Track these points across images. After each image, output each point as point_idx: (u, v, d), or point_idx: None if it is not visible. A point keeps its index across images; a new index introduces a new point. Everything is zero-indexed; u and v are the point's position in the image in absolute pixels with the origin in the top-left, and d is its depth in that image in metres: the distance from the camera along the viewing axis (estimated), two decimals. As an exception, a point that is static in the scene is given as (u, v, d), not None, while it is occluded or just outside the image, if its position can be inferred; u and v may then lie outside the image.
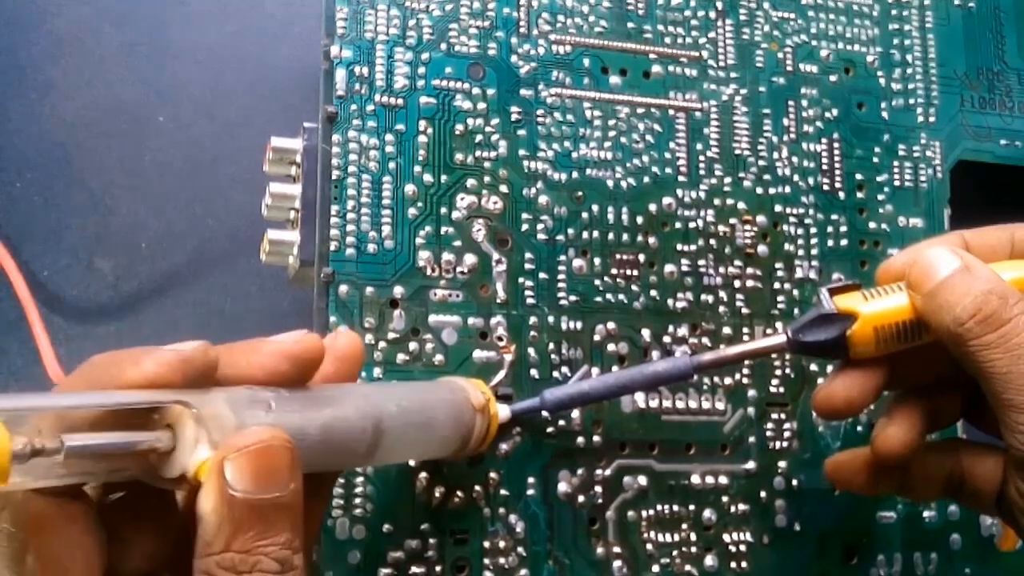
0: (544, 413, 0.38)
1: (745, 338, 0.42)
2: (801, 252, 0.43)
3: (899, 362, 0.34)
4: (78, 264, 0.45)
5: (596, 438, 0.39)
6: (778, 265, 0.43)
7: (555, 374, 0.39)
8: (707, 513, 0.40)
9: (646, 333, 0.41)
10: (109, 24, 0.47)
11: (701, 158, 0.43)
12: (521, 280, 0.40)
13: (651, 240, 0.41)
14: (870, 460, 0.36)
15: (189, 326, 0.45)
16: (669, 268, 0.41)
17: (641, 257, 0.41)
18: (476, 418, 0.35)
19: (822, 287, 0.35)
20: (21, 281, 0.42)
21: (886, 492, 0.38)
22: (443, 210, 0.39)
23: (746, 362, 0.41)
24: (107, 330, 0.45)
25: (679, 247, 0.42)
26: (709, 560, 0.40)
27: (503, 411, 0.37)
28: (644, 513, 0.40)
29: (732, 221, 0.43)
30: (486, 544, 0.38)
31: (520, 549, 0.38)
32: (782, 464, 0.42)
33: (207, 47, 0.47)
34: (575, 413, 0.39)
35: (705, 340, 0.41)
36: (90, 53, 0.46)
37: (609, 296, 0.41)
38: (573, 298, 0.40)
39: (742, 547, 0.41)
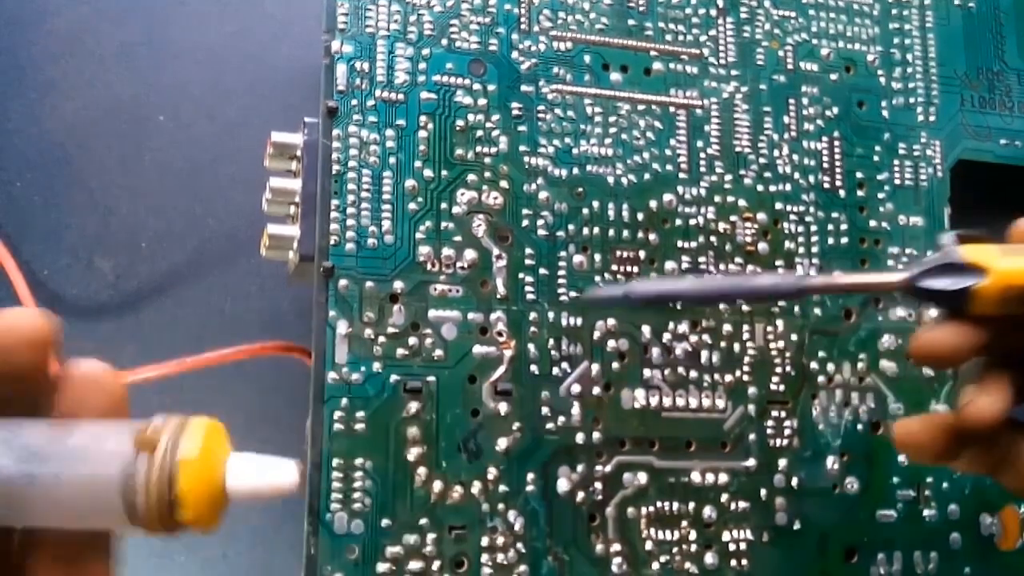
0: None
1: (745, 335, 0.42)
2: (801, 250, 0.43)
3: (1007, 326, 0.32)
4: (78, 264, 0.45)
5: (596, 435, 0.39)
6: (778, 262, 0.43)
7: (555, 370, 0.39)
8: (707, 511, 0.40)
9: (646, 330, 0.41)
10: (109, 24, 0.47)
11: (702, 155, 0.43)
12: (521, 276, 0.40)
13: (651, 237, 0.41)
14: (953, 428, 0.33)
15: (189, 325, 0.45)
16: (669, 265, 0.41)
17: (641, 254, 0.41)
18: (140, 463, 0.23)
19: (947, 233, 0.33)
20: (21, 280, 0.42)
21: (970, 470, 0.34)
22: (443, 205, 0.39)
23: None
24: (107, 329, 0.45)
25: (679, 244, 0.42)
26: (709, 558, 0.40)
27: (241, 466, 0.24)
28: (644, 510, 0.40)
29: (732, 218, 0.42)
30: (485, 540, 0.38)
31: (519, 545, 0.38)
32: (782, 462, 0.41)
33: (207, 47, 0.47)
34: (575, 410, 0.39)
35: (706, 337, 0.41)
36: (90, 53, 0.46)
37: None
38: (573, 294, 0.40)
39: (742, 545, 0.40)
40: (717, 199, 0.42)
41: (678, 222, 0.42)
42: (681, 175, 0.42)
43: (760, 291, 0.33)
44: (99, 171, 0.45)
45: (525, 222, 0.40)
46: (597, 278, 0.40)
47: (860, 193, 0.45)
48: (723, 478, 0.41)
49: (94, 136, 0.46)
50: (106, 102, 0.46)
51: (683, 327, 0.41)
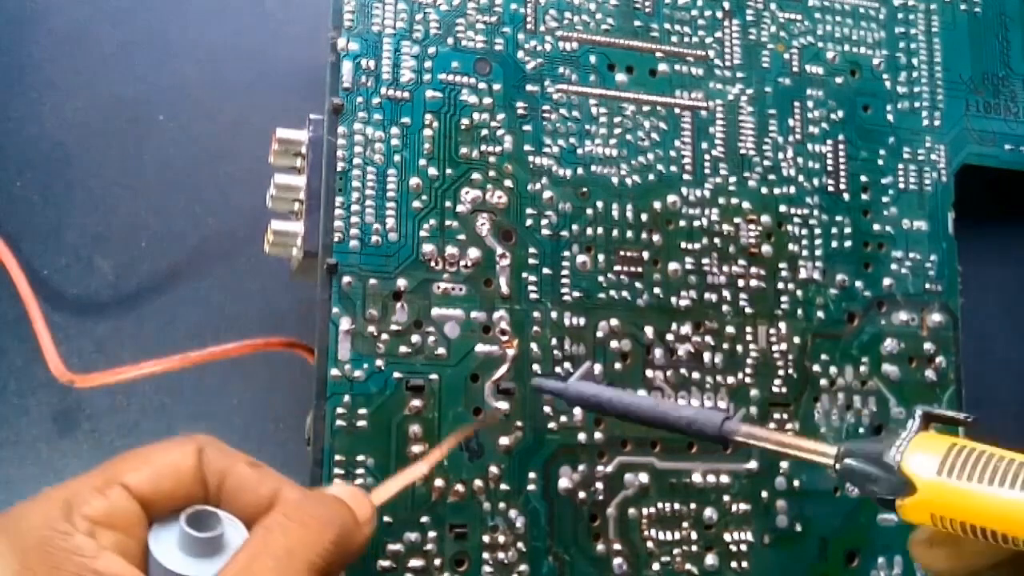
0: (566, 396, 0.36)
1: (748, 337, 0.42)
2: (805, 252, 0.43)
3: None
4: (78, 262, 0.45)
5: (598, 435, 0.39)
6: (782, 265, 0.43)
7: (557, 370, 0.39)
8: (708, 512, 0.40)
9: (649, 331, 0.41)
10: (109, 24, 0.47)
11: (706, 157, 0.43)
12: (524, 275, 0.40)
13: (655, 238, 0.41)
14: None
15: (189, 324, 0.45)
16: (673, 266, 0.41)
17: (645, 254, 0.41)
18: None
19: (919, 408, 0.29)
20: (22, 279, 0.42)
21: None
22: (448, 204, 0.39)
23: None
24: (107, 328, 0.45)
25: (683, 245, 0.42)
26: (710, 559, 0.40)
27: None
28: (645, 511, 0.40)
29: (736, 220, 0.42)
30: (486, 539, 0.38)
31: (520, 544, 0.38)
32: (784, 464, 0.41)
33: (207, 46, 0.47)
34: (577, 410, 0.39)
35: (708, 339, 0.41)
36: (90, 53, 0.46)
37: (612, 293, 0.40)
38: (576, 294, 0.40)
39: (743, 547, 0.40)
40: (721, 201, 0.42)
41: (682, 223, 0.42)
42: (685, 176, 0.42)
43: (681, 423, 0.32)
44: (99, 171, 0.45)
45: (529, 221, 0.40)
46: (600, 278, 0.40)
47: (864, 197, 0.45)
48: (724, 480, 0.41)
49: (94, 136, 0.46)
50: (106, 102, 0.46)
51: (686, 328, 0.41)
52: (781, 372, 0.42)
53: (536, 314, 0.39)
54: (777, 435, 0.31)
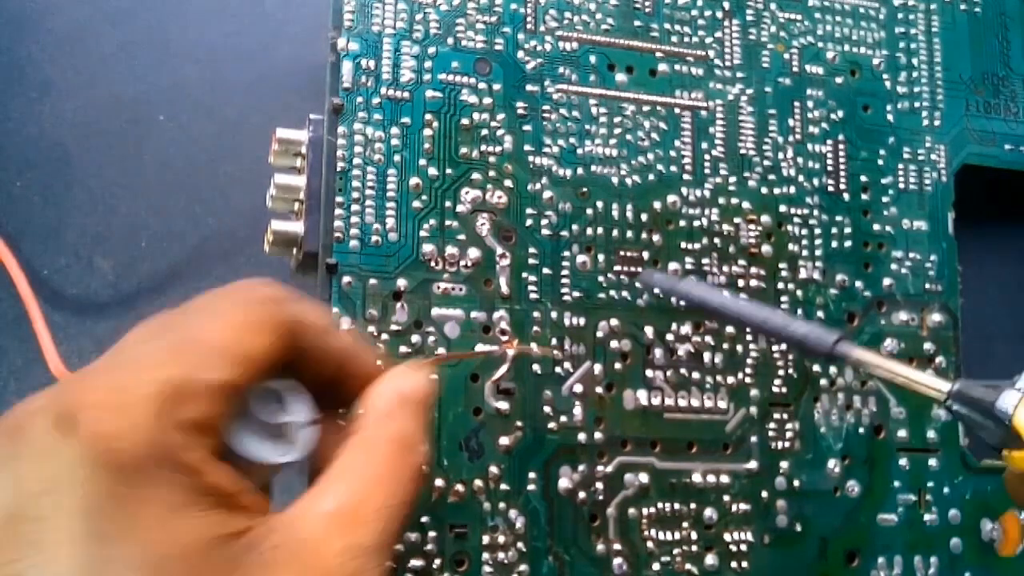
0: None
1: (748, 337, 0.42)
2: (805, 252, 0.43)
3: None
4: (78, 262, 0.45)
5: (598, 435, 0.39)
6: (782, 265, 0.43)
7: (557, 369, 0.39)
8: (708, 512, 0.40)
9: (649, 331, 0.41)
10: (109, 24, 0.47)
11: (706, 157, 0.43)
12: (524, 275, 0.40)
13: (655, 238, 0.41)
14: None
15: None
16: (673, 266, 0.41)
17: (645, 254, 0.41)
18: None
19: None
20: (22, 279, 0.42)
21: None
22: (448, 204, 0.39)
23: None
24: (107, 327, 0.45)
25: (683, 245, 0.42)
26: (710, 559, 0.40)
27: None
28: (645, 511, 0.40)
29: (736, 220, 0.42)
30: (486, 539, 0.38)
31: (520, 544, 0.38)
32: (784, 464, 0.41)
33: (207, 46, 0.47)
34: (577, 410, 0.39)
35: (708, 338, 0.41)
36: (90, 53, 0.46)
37: (612, 293, 0.40)
38: (576, 294, 0.40)
39: (743, 547, 0.40)
40: (721, 201, 0.42)
41: (682, 223, 0.42)
42: (685, 176, 0.42)
43: (793, 338, 0.32)
44: (99, 171, 0.45)
45: (529, 221, 0.40)
46: (600, 278, 0.40)
47: (864, 197, 0.45)
48: (724, 479, 0.41)
49: (94, 136, 0.46)
50: (106, 102, 0.46)
51: (686, 328, 0.41)
52: (781, 372, 0.42)
53: (536, 314, 0.39)
54: (890, 362, 0.31)
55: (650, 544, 0.39)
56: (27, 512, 0.22)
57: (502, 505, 0.38)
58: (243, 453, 0.26)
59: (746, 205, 0.43)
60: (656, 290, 0.40)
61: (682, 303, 0.40)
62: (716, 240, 0.42)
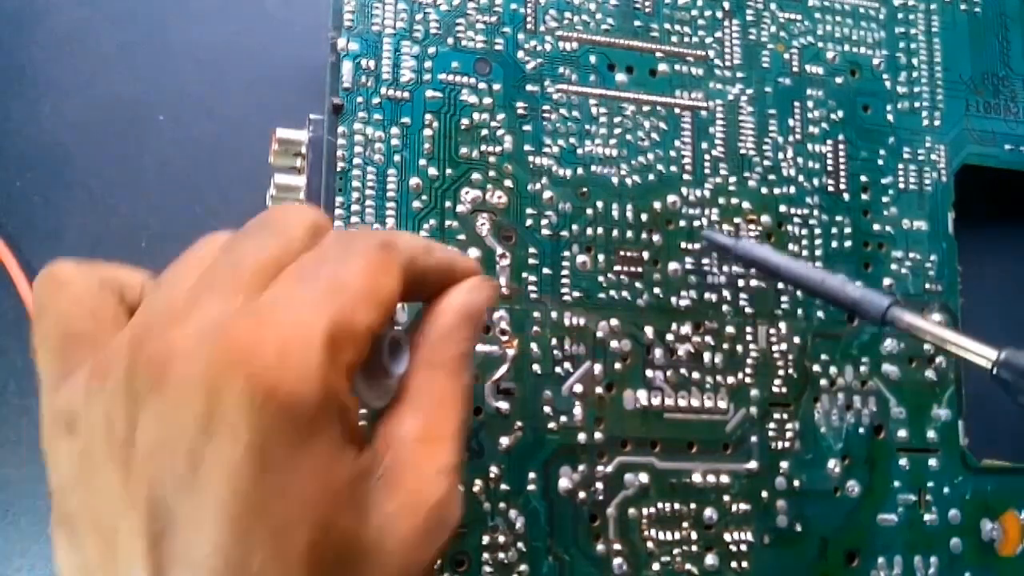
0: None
1: (748, 337, 0.42)
2: (805, 252, 0.43)
3: None
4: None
5: (598, 435, 0.39)
6: (782, 265, 0.43)
7: (558, 369, 0.39)
8: (708, 512, 0.40)
9: (649, 331, 0.41)
10: (109, 24, 0.46)
11: (706, 157, 0.43)
12: (524, 275, 0.40)
13: (655, 238, 0.41)
14: None
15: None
16: (673, 266, 0.41)
17: (645, 254, 0.41)
18: None
19: None
20: (22, 279, 0.42)
21: None
22: (447, 204, 0.39)
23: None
24: (107, 327, 0.45)
25: (683, 245, 0.42)
26: (710, 559, 0.40)
27: None
28: (645, 511, 0.40)
29: (736, 220, 0.42)
30: (485, 539, 0.38)
31: (520, 544, 0.38)
32: (784, 464, 0.41)
33: (207, 46, 0.47)
34: (577, 410, 0.39)
35: (708, 339, 0.41)
36: (90, 53, 0.46)
37: (613, 293, 0.40)
38: (576, 294, 0.40)
39: (743, 547, 0.40)
40: (721, 201, 0.42)
41: (682, 223, 0.42)
42: (685, 176, 0.42)
43: (848, 301, 0.33)
44: (99, 171, 0.45)
45: (529, 221, 0.40)
46: (600, 278, 0.40)
47: (864, 197, 0.45)
48: (724, 480, 0.41)
49: (94, 136, 0.46)
50: (106, 102, 0.46)
51: (686, 328, 0.41)
52: (781, 372, 0.42)
53: (536, 314, 0.39)
54: (939, 329, 0.32)
55: (650, 544, 0.39)
56: (179, 446, 0.23)
57: (502, 505, 0.38)
58: (365, 400, 0.28)
59: (746, 205, 0.43)
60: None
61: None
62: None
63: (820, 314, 0.43)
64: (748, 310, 0.42)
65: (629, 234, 0.41)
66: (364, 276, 0.26)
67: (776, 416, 0.42)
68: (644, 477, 0.40)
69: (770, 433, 0.41)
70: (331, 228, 0.28)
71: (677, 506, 0.40)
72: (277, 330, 0.23)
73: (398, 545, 0.25)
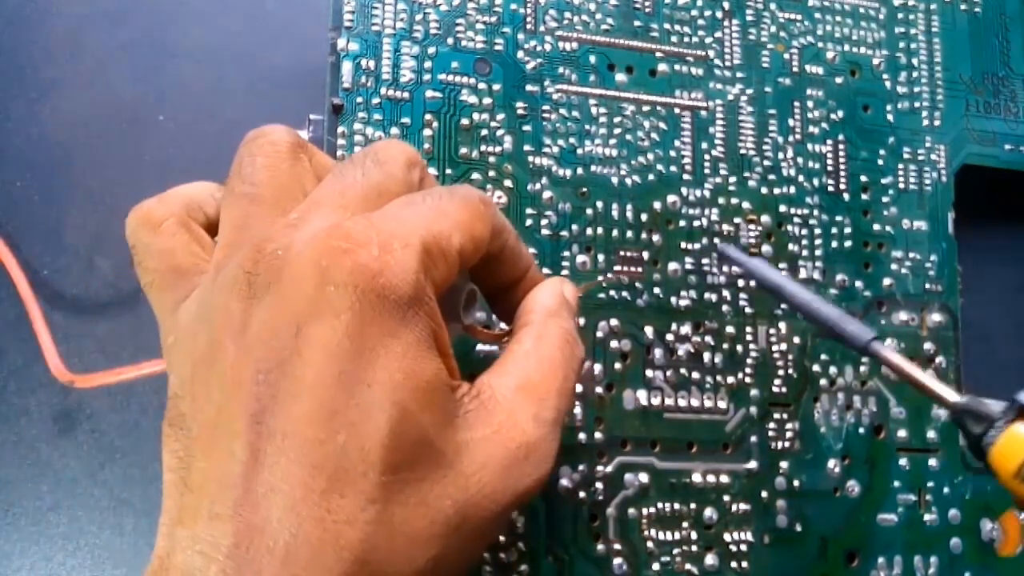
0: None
1: (748, 337, 0.42)
2: (805, 252, 0.43)
3: None
4: (78, 262, 0.45)
5: (598, 435, 0.39)
6: (782, 265, 0.43)
7: (557, 369, 0.39)
8: (708, 512, 0.40)
9: (649, 331, 0.41)
10: (109, 24, 0.46)
11: (706, 157, 0.43)
12: (524, 275, 0.40)
13: (655, 238, 0.41)
14: None
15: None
16: (673, 266, 0.41)
17: (645, 254, 0.41)
18: None
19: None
20: (22, 279, 0.42)
21: None
22: (447, 204, 0.39)
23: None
24: (107, 328, 0.45)
25: (683, 245, 0.42)
26: (709, 559, 0.40)
27: None
28: (645, 511, 0.40)
29: (736, 220, 0.43)
30: (486, 539, 0.38)
31: (519, 544, 0.38)
32: (784, 464, 0.41)
33: (207, 46, 0.47)
34: (577, 409, 0.39)
35: (708, 338, 0.41)
36: (90, 53, 0.46)
37: (612, 293, 0.40)
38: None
39: (743, 547, 0.40)
40: (721, 201, 0.42)
41: (682, 223, 0.42)
42: (685, 176, 0.42)
43: (832, 328, 0.34)
44: (99, 171, 0.45)
45: (529, 221, 0.40)
46: (600, 278, 0.40)
47: (864, 197, 0.45)
48: (724, 479, 0.41)
49: (94, 136, 0.46)
50: (106, 102, 0.46)
51: (686, 328, 0.41)
52: (781, 372, 0.42)
53: (536, 314, 0.39)
54: (909, 366, 0.33)
55: (650, 544, 0.39)
56: (287, 327, 0.25)
57: (502, 505, 0.38)
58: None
59: (746, 205, 0.43)
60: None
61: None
62: (716, 240, 0.42)
63: (820, 314, 0.43)
64: (748, 310, 0.42)
65: (629, 234, 0.41)
66: (463, 212, 0.29)
67: (776, 416, 0.42)
68: (644, 477, 0.40)
69: (770, 433, 0.41)
70: (425, 164, 0.31)
71: (677, 506, 0.40)
72: (382, 231, 0.26)
73: (476, 468, 0.27)
